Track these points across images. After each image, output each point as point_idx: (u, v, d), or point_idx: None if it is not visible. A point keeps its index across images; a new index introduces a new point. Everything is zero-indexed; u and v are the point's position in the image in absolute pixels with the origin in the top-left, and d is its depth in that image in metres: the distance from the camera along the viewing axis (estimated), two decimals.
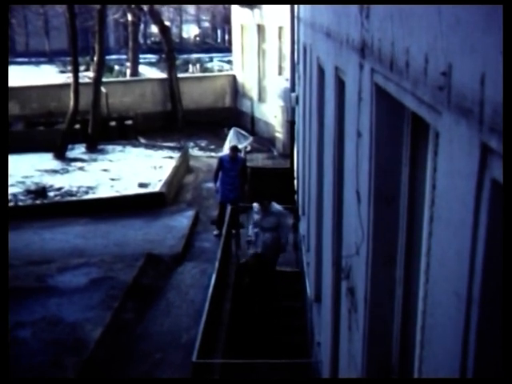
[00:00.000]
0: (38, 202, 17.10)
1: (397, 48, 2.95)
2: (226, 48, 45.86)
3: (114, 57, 44.03)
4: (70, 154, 21.97)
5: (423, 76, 2.43)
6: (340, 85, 5.55)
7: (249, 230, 11.96)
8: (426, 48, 2.40)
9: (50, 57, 50.09)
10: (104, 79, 25.12)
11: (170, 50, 28.46)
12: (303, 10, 11.51)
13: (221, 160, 14.75)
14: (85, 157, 21.97)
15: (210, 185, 14.31)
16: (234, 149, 14.98)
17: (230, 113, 27.21)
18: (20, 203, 17.02)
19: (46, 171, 19.95)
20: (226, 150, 22.49)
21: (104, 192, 17.88)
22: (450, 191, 2.21)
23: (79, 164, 20.98)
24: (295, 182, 14.74)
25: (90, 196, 17.58)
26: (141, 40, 48.94)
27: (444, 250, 2.31)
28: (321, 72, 7.54)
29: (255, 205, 11.91)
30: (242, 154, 19.21)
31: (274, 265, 11.85)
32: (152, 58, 46.52)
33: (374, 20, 3.62)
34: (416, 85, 2.57)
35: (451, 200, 2.19)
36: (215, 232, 14.72)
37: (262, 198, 11.75)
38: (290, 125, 15.79)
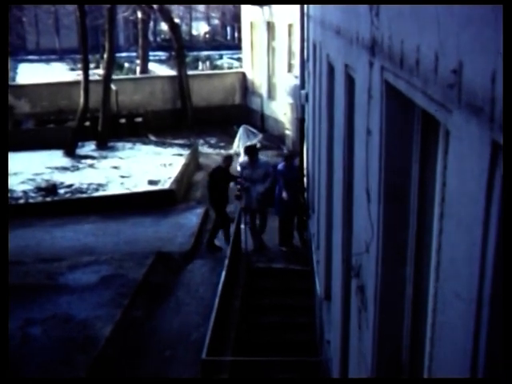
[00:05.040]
0: (48, 199, 17.17)
1: (407, 46, 2.94)
2: (236, 45, 45.85)
3: (123, 54, 44.10)
4: (80, 152, 22.05)
5: (433, 74, 2.43)
6: (350, 82, 5.54)
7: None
8: (437, 46, 2.39)
9: (60, 55, 50.24)
10: (114, 77, 25.18)
11: (179, 48, 28.47)
12: (313, 7, 11.49)
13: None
14: (95, 154, 22.04)
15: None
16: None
17: (240, 110, 27.21)
18: (31, 200, 17.10)
19: (57, 168, 20.04)
20: (235, 148, 22.52)
21: (114, 189, 17.93)
22: (461, 189, 2.20)
23: (89, 161, 21.05)
24: (305, 179, 14.71)
25: (100, 193, 17.64)
26: (150, 37, 48.93)
27: (454, 248, 2.30)
28: (330, 69, 7.52)
29: (244, 159, 13.41)
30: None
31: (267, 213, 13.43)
32: (162, 55, 46.52)
33: (383, 18, 3.61)
34: (426, 82, 2.56)
35: (462, 198, 2.19)
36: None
37: (249, 151, 13.44)
38: (300, 122, 15.75)
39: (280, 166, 13.34)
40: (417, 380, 3.59)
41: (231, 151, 22.33)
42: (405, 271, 3.71)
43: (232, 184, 14.14)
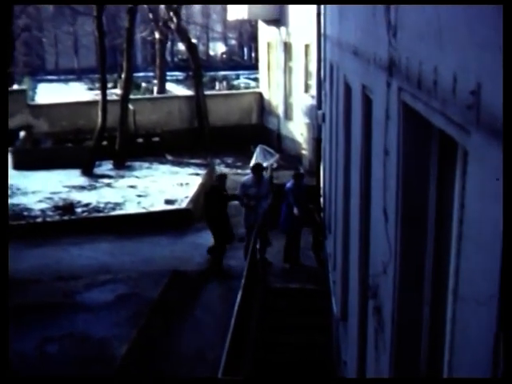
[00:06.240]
0: (65, 217, 17.26)
1: (425, 66, 2.95)
2: (253, 65, 46.05)
3: (141, 74, 44.45)
4: (98, 171, 22.17)
5: (452, 95, 2.43)
6: (367, 103, 5.54)
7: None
8: (455, 67, 2.39)
9: (78, 74, 50.75)
10: (131, 96, 25.35)
11: (196, 68, 28.64)
12: (330, 27, 11.54)
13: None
14: (112, 173, 22.15)
15: (236, 202, 14.30)
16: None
17: (257, 130, 27.27)
18: (48, 219, 17.19)
19: (74, 187, 20.15)
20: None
21: (131, 208, 18.00)
22: (479, 210, 2.19)
23: (106, 180, 21.16)
24: (321, 199, 14.70)
25: (117, 212, 17.71)
26: (168, 58, 49.36)
27: (473, 270, 2.29)
28: (347, 90, 7.54)
29: (250, 177, 13.78)
30: (267, 172, 19.27)
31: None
32: (179, 75, 46.86)
33: (401, 38, 3.62)
34: (444, 104, 2.57)
35: (480, 219, 2.18)
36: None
37: (256, 168, 13.85)
38: (317, 142, 15.77)
39: (289, 184, 13.56)
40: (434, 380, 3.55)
41: (247, 171, 22.35)
42: (422, 292, 3.69)
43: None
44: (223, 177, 14.28)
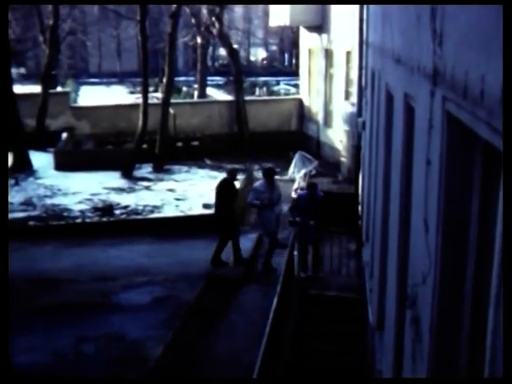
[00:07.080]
0: (104, 219, 17.46)
1: (471, 76, 2.92)
2: (293, 72, 46.07)
3: (182, 78, 44.74)
4: (137, 173, 22.40)
5: (499, 105, 2.40)
6: (409, 111, 5.50)
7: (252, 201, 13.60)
8: (503, 76, 2.36)
9: (120, 78, 51.29)
10: (172, 100, 25.55)
11: (238, 73, 28.75)
12: (372, 34, 11.50)
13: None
14: (151, 176, 22.36)
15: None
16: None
17: (296, 136, 27.25)
18: (87, 220, 17.41)
19: (114, 189, 20.39)
20: (290, 174, 22.55)
21: (169, 211, 18.14)
22: None
23: (145, 183, 21.36)
24: (359, 207, 14.62)
25: (156, 215, 17.85)
26: (209, 62, 49.61)
27: None
28: (389, 98, 7.50)
29: (262, 182, 13.65)
30: (306, 178, 19.27)
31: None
32: (219, 80, 47.06)
33: (447, 47, 3.59)
34: (491, 114, 2.53)
35: None
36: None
37: (269, 173, 13.67)
38: (356, 150, 15.71)
39: (302, 193, 13.87)
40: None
41: (285, 177, 22.37)
42: (462, 304, 3.64)
43: (285, 209, 14.21)
44: (234, 171, 14.63)
